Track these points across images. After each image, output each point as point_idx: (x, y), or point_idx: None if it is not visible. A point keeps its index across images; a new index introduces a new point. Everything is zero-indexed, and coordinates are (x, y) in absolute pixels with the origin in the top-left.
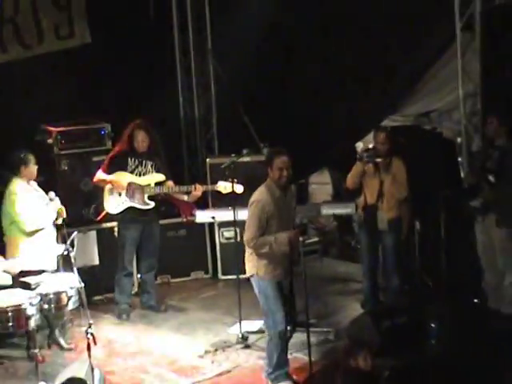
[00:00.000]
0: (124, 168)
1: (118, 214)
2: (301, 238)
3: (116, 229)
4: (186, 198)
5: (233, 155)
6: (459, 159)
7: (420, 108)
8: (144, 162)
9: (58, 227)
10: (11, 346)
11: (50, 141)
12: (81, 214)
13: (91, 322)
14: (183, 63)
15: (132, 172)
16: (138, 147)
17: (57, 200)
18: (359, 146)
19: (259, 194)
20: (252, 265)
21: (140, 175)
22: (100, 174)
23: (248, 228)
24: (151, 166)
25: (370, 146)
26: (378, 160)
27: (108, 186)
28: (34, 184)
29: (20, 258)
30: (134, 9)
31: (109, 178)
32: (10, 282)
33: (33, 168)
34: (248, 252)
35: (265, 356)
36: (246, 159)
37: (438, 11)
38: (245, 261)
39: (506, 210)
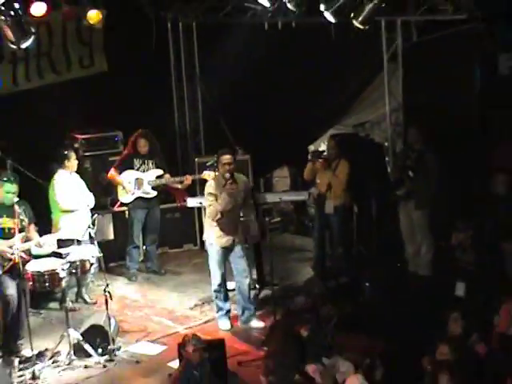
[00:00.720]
0: (131, 167)
1: (129, 203)
2: (267, 218)
3: (127, 212)
4: (179, 186)
5: (215, 155)
6: (386, 158)
7: (357, 120)
8: (146, 161)
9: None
10: (48, 300)
11: (76, 145)
12: (99, 201)
13: (108, 282)
14: (178, 87)
15: (138, 169)
16: (141, 150)
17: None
18: (310, 148)
19: (208, 185)
20: (206, 234)
21: (144, 171)
22: (112, 172)
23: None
24: (152, 164)
25: (320, 148)
26: (320, 160)
27: (120, 186)
28: (76, 176)
29: (51, 236)
30: (140, 44)
31: (119, 178)
32: (48, 252)
33: (73, 162)
34: (206, 224)
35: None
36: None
37: (370, 48)
38: None
39: (421, 196)
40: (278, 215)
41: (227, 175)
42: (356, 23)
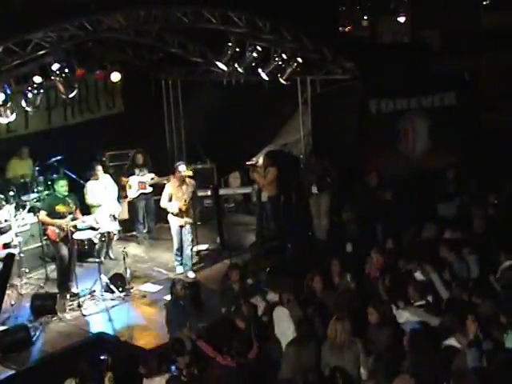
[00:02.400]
0: (134, 174)
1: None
2: (226, 204)
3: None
4: (165, 182)
5: (192, 165)
6: (301, 166)
7: (283, 141)
8: (142, 169)
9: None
10: (87, 257)
11: (104, 159)
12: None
13: (125, 246)
14: (169, 122)
15: (138, 175)
16: (138, 162)
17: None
18: (253, 160)
19: (167, 186)
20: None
21: (142, 176)
22: (124, 179)
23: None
24: (146, 171)
25: (260, 160)
26: (251, 169)
27: (128, 186)
28: (103, 179)
29: (90, 217)
30: (144, 94)
31: (129, 182)
32: (87, 227)
33: (97, 172)
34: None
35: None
36: (199, 166)
37: (290, 96)
38: None
39: (327, 190)
40: (233, 202)
41: (180, 178)
42: (281, 80)
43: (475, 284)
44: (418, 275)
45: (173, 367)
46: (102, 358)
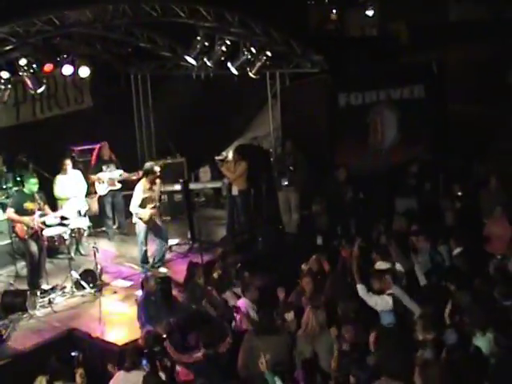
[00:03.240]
0: (101, 170)
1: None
2: (196, 199)
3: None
4: (134, 178)
5: (162, 159)
6: (271, 159)
7: (253, 134)
8: (109, 165)
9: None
10: (57, 253)
11: (73, 154)
12: (89, 189)
13: (95, 241)
14: (138, 117)
15: (105, 171)
16: (104, 158)
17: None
18: (223, 154)
19: (138, 190)
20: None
21: (111, 172)
22: (92, 176)
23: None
24: (114, 167)
25: (229, 154)
26: (221, 164)
27: (97, 182)
28: (72, 174)
29: (57, 212)
30: (113, 89)
31: (93, 178)
32: (56, 223)
33: (66, 166)
34: None
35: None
36: (169, 161)
37: (259, 89)
38: None
39: (298, 184)
40: (203, 196)
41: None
42: (250, 74)
43: (450, 273)
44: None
45: (144, 361)
46: (72, 354)
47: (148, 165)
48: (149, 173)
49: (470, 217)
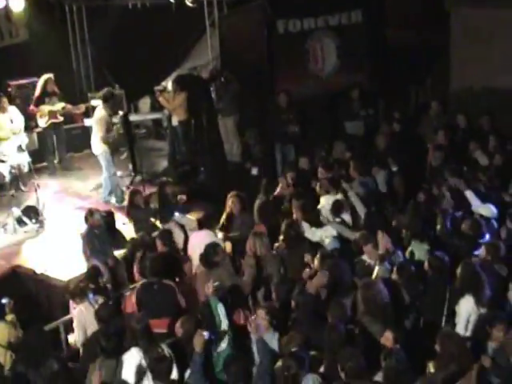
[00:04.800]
0: (44, 102)
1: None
2: (137, 131)
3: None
4: (78, 111)
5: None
6: (211, 89)
7: (192, 64)
8: (52, 98)
9: None
10: None
11: (9, 89)
12: (28, 124)
13: (36, 177)
14: (75, 49)
15: (48, 104)
16: (48, 90)
17: None
18: (162, 85)
19: (103, 117)
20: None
21: (53, 105)
22: (33, 108)
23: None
24: (56, 100)
25: (169, 84)
26: (160, 94)
27: (39, 115)
28: (9, 111)
29: None
30: (48, 21)
31: (34, 111)
32: None
33: (3, 104)
34: None
35: None
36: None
37: (197, 18)
38: None
39: (230, 109)
40: (144, 128)
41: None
42: (187, 2)
43: (387, 199)
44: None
45: (90, 295)
46: (3, 301)
47: (106, 91)
48: (107, 98)
49: (409, 141)
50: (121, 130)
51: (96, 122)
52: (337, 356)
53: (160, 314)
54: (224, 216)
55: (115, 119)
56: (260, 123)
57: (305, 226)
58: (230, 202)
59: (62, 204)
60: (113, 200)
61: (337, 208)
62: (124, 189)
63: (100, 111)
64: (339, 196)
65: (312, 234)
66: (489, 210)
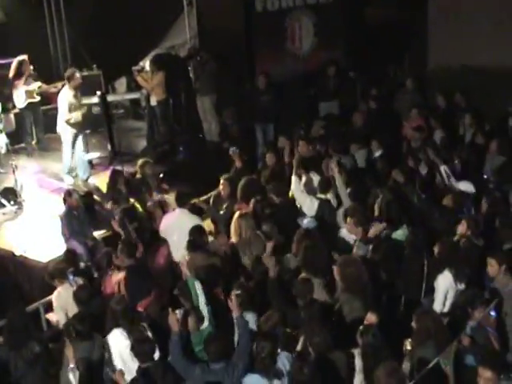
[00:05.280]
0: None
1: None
2: (115, 111)
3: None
4: (54, 90)
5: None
6: (189, 68)
7: (170, 43)
8: (28, 78)
9: None
10: None
11: None
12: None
13: (14, 158)
14: (52, 27)
15: (24, 84)
16: (23, 72)
17: None
18: (140, 65)
19: (64, 96)
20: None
21: (29, 85)
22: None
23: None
24: (31, 80)
25: (147, 64)
26: (138, 74)
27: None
28: None
29: None
30: None
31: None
32: None
33: None
34: None
35: None
36: (85, 73)
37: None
38: None
39: (206, 87)
40: (122, 108)
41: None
42: None
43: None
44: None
45: (70, 276)
46: None
47: (69, 71)
48: (70, 79)
49: (386, 118)
50: (95, 111)
51: (60, 102)
52: (304, 332)
53: (142, 295)
54: (213, 195)
55: (93, 100)
56: (238, 103)
57: (294, 179)
58: (221, 185)
59: (41, 185)
60: (68, 180)
61: (325, 186)
62: (86, 171)
63: (64, 91)
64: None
65: (300, 193)
66: (468, 186)
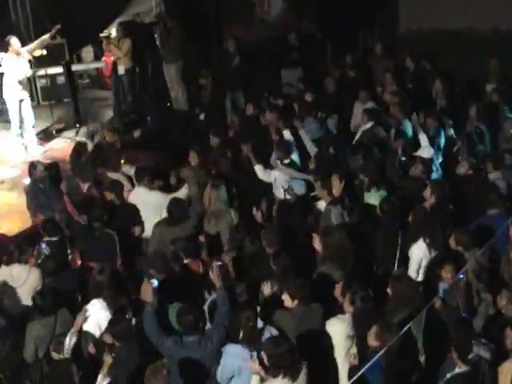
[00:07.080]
0: None
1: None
2: (80, 81)
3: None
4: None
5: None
6: (155, 35)
7: (134, 10)
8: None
9: None
10: None
11: None
12: None
13: None
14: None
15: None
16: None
17: None
18: (105, 32)
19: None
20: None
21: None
22: None
23: None
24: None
25: (113, 31)
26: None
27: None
28: None
29: None
30: None
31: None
32: None
33: None
34: None
35: None
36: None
37: None
38: None
39: (170, 56)
40: (87, 77)
41: None
42: None
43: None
44: (287, 134)
45: (43, 245)
46: None
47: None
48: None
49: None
50: (60, 81)
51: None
52: (285, 285)
53: (97, 260)
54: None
55: (57, 69)
56: (207, 70)
57: (258, 168)
58: (190, 156)
59: (4, 158)
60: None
61: (286, 148)
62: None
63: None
64: (287, 134)
65: (267, 175)
66: (427, 151)
